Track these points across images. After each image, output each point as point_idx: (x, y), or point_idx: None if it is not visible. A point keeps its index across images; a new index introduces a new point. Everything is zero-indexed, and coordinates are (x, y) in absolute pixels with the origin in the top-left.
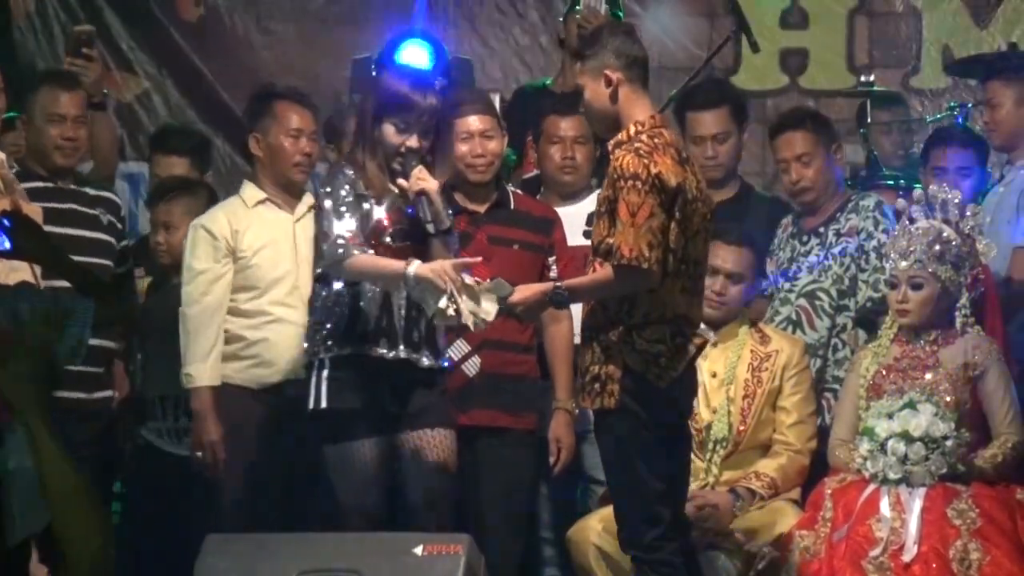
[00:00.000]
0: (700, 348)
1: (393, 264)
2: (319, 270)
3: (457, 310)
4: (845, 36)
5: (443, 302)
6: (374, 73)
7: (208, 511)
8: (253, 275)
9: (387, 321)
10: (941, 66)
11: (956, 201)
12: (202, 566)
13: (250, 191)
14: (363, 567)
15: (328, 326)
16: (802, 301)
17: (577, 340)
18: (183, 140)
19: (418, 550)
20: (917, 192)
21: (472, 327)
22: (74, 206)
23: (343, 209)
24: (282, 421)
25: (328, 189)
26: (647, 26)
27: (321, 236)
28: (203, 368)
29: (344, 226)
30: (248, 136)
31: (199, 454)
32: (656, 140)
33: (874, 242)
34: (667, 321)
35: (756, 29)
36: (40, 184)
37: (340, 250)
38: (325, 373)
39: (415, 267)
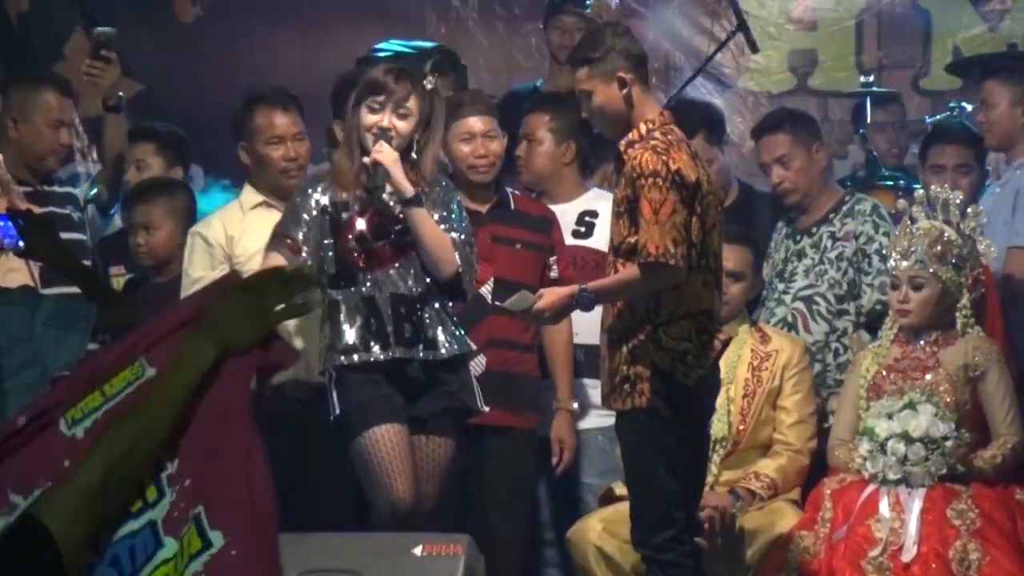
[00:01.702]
0: (725, 345)
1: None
2: None
3: None
4: (854, 37)
5: None
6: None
7: None
8: None
9: (377, 325)
10: None
11: (957, 202)
12: None
13: (248, 195)
14: (362, 567)
15: (325, 340)
16: (798, 304)
17: (582, 340)
18: (154, 129)
19: (417, 550)
20: (918, 192)
21: None
22: (53, 209)
23: (302, 215)
24: (278, 421)
25: (299, 197)
26: (654, 27)
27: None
28: None
29: (288, 227)
30: (237, 147)
31: None
32: (670, 136)
33: (876, 245)
34: (691, 316)
35: (764, 29)
36: (20, 189)
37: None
38: (334, 385)
39: None
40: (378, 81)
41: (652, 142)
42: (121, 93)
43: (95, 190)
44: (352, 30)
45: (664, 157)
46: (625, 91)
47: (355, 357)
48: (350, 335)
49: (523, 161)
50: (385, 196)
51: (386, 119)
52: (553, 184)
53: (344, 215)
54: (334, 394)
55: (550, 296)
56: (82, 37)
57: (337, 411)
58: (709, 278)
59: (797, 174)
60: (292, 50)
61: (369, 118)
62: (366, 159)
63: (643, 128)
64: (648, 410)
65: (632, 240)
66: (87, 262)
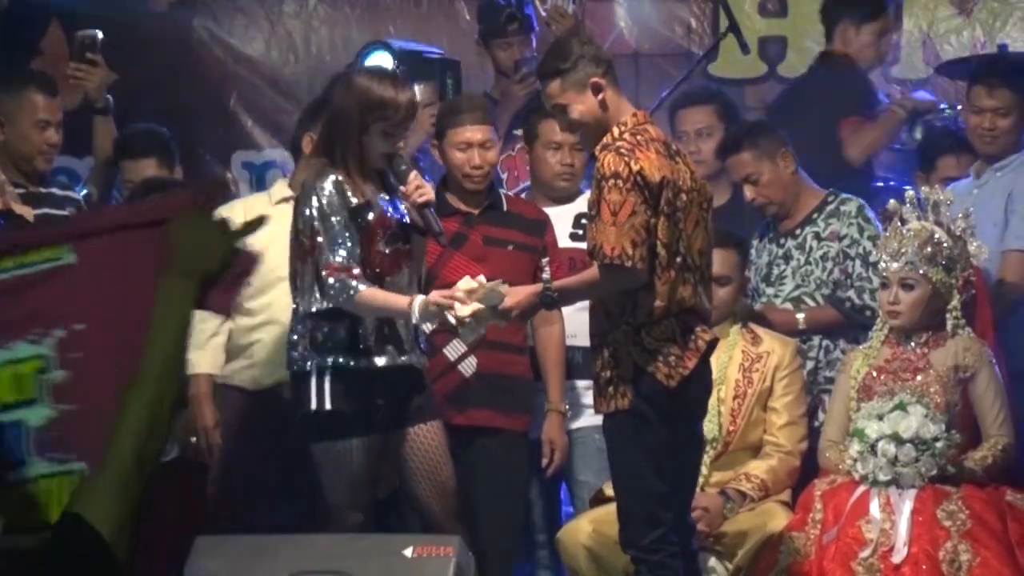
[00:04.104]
0: (711, 345)
1: (398, 302)
2: (324, 305)
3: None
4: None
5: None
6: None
7: (197, 513)
8: (256, 271)
9: (389, 330)
10: (921, 56)
11: (948, 203)
12: (192, 567)
13: (278, 189)
14: (353, 568)
15: (328, 332)
16: (788, 307)
17: (580, 343)
18: (148, 140)
19: (408, 551)
20: (909, 193)
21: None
22: (48, 210)
23: (338, 231)
24: (276, 422)
25: (318, 207)
26: (624, 12)
27: (319, 266)
28: (202, 355)
29: (341, 255)
30: (303, 134)
31: (193, 439)
32: (639, 137)
33: (859, 248)
34: (674, 316)
35: (735, 16)
36: (13, 190)
37: (343, 294)
38: (327, 379)
39: (418, 304)
40: (397, 101)
41: (619, 144)
42: (109, 96)
43: (86, 190)
44: (335, 24)
45: (627, 158)
46: (600, 96)
47: (368, 361)
48: (369, 337)
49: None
50: (389, 211)
51: (400, 143)
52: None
53: (369, 216)
54: (326, 387)
55: (516, 295)
56: (56, 30)
57: (328, 407)
58: (689, 276)
59: (768, 188)
60: (271, 41)
61: (384, 144)
62: (404, 189)
63: (616, 132)
64: (631, 411)
65: None
66: None
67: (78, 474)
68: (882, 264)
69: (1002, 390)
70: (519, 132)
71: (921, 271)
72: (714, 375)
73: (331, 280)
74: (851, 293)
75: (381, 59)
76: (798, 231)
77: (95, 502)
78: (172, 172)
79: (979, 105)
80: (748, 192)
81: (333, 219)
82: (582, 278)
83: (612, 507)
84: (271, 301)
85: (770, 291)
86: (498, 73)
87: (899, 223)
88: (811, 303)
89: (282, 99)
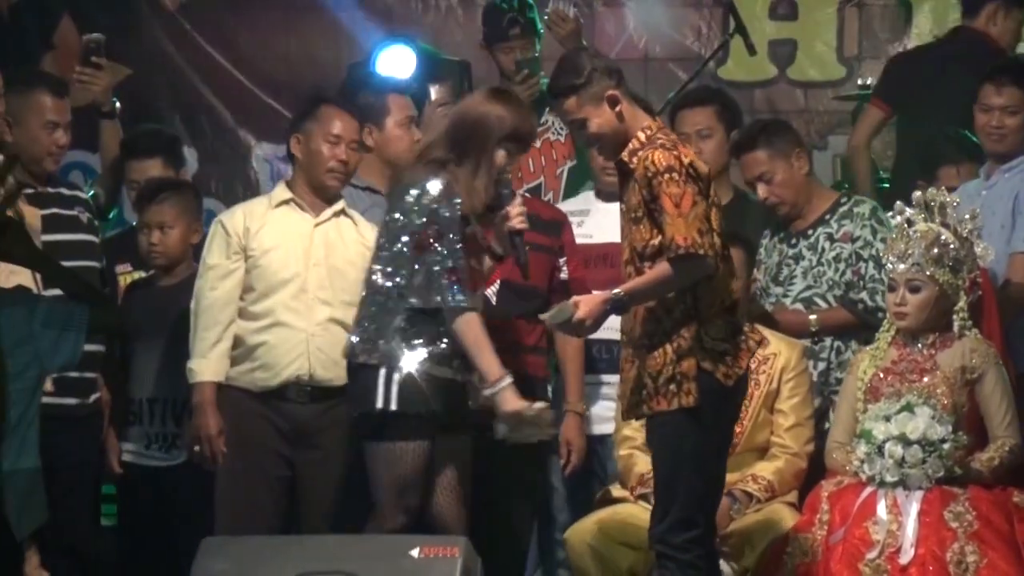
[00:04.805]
0: (758, 344)
1: (488, 366)
2: (415, 301)
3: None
4: (835, 27)
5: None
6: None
7: (204, 515)
8: (259, 275)
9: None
10: None
11: (954, 205)
12: (199, 568)
13: (278, 191)
14: (359, 569)
15: (415, 331)
16: (798, 306)
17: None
18: (153, 140)
19: (414, 552)
20: (915, 195)
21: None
22: (56, 210)
23: (458, 247)
24: (280, 424)
25: (436, 205)
26: (634, 16)
27: (431, 272)
28: (205, 363)
29: (463, 269)
30: (291, 136)
31: (197, 448)
32: (672, 136)
33: (872, 250)
34: (726, 311)
35: (745, 19)
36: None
37: (461, 308)
38: (396, 377)
39: (504, 387)
40: (529, 132)
41: (658, 141)
42: (116, 100)
43: (92, 192)
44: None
45: (675, 152)
46: (617, 108)
47: (447, 372)
48: (444, 346)
49: None
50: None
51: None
52: None
53: (467, 228)
54: (394, 386)
55: (586, 305)
56: (68, 23)
57: (393, 407)
58: (733, 268)
59: (781, 187)
60: (281, 37)
61: (504, 163)
62: (513, 223)
63: (643, 136)
64: (693, 409)
65: (655, 243)
66: (96, 263)
67: None
68: (889, 266)
69: (1009, 391)
70: None
71: (928, 272)
72: None
73: (453, 287)
74: (863, 295)
75: (401, 53)
76: (810, 232)
77: None
78: (178, 172)
79: (988, 103)
80: (761, 191)
81: (455, 242)
82: (650, 277)
83: (619, 508)
84: (275, 304)
85: (778, 291)
86: (502, 76)
87: (906, 225)
88: (821, 304)
89: (286, 105)
